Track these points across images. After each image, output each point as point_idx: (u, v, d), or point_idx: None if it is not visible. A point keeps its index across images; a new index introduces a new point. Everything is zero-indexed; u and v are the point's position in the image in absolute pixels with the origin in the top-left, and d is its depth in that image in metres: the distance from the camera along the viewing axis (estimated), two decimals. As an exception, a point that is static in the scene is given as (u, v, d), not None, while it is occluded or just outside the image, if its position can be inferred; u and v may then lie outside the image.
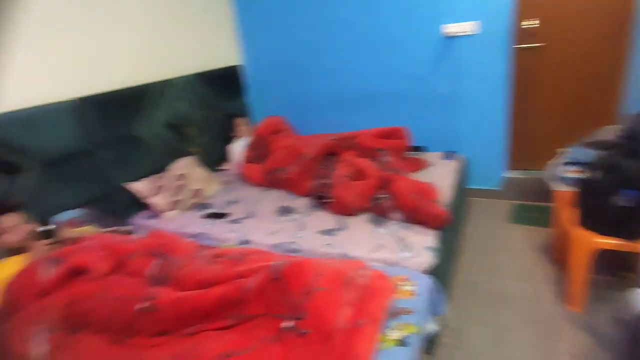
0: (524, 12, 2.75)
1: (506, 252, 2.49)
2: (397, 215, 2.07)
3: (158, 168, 2.68)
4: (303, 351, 1.14)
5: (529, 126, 3.01)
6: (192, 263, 1.55)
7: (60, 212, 2.07)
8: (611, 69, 2.71)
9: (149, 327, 1.34)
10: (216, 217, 2.36)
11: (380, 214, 2.13)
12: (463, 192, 2.75)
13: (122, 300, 1.38)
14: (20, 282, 1.52)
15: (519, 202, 3.06)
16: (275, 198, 2.53)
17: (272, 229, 2.14)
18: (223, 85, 3.36)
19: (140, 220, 2.46)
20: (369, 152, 2.61)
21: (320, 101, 3.49)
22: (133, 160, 2.56)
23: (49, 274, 1.50)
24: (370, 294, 1.32)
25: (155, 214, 2.47)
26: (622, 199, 1.68)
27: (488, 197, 3.16)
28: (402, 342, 1.30)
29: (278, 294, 1.26)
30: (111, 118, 2.40)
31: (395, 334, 1.32)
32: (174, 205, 2.49)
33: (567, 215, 2.01)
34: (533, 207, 2.95)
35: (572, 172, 2.19)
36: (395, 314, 1.39)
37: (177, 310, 1.32)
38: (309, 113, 3.54)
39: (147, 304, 1.34)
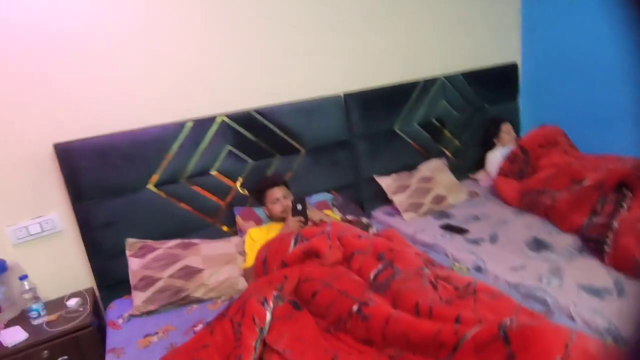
0: None
1: None
2: None
3: (408, 166, 2.67)
4: None
5: None
6: (414, 280, 1.43)
7: (314, 193, 2.33)
8: None
9: (357, 331, 1.32)
10: (454, 231, 2.16)
11: (692, 290, 1.44)
12: None
13: (343, 295, 1.41)
14: (273, 248, 1.77)
15: None
16: (529, 225, 2.10)
17: (517, 263, 1.77)
18: (492, 85, 3.02)
19: (379, 214, 2.52)
20: (692, 194, 1.81)
21: (615, 111, 2.65)
22: (386, 154, 2.62)
23: (293, 248, 1.69)
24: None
25: (395, 211, 2.47)
26: None
27: None
28: None
29: (501, 358, 1.00)
30: (373, 112, 2.52)
31: None
32: (414, 207, 2.43)
33: None
34: None
35: None
36: None
37: (386, 327, 1.24)
38: (596, 126, 2.77)
39: (361, 308, 1.32)
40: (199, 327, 1.61)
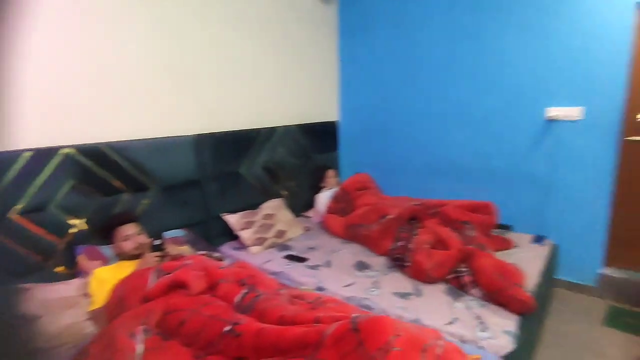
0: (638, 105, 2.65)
1: (595, 357, 2.25)
2: (477, 291, 2.01)
3: (251, 205, 2.92)
4: (373, 407, 1.15)
5: (633, 224, 2.77)
6: (275, 299, 1.65)
7: (167, 230, 2.34)
8: None
9: (230, 349, 1.44)
10: (296, 260, 2.49)
11: (458, 287, 2.09)
12: (550, 282, 2.58)
13: (212, 319, 1.51)
14: (130, 285, 1.74)
15: (617, 304, 2.77)
16: (354, 252, 2.60)
17: (348, 281, 2.20)
18: (320, 138, 3.62)
19: (228, 249, 2.67)
20: (453, 223, 2.60)
21: (408, 165, 3.59)
22: (232, 194, 2.83)
23: (154, 282, 1.70)
24: (445, 366, 1.30)
25: (242, 246, 2.67)
26: None
27: (579, 292, 2.91)
28: None
29: (354, 345, 1.30)
30: (221, 155, 2.72)
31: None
32: (259, 241, 2.68)
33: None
34: (636, 314, 2.64)
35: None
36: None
37: (258, 340, 1.41)
38: (395, 175, 3.65)
39: (232, 327, 1.46)
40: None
